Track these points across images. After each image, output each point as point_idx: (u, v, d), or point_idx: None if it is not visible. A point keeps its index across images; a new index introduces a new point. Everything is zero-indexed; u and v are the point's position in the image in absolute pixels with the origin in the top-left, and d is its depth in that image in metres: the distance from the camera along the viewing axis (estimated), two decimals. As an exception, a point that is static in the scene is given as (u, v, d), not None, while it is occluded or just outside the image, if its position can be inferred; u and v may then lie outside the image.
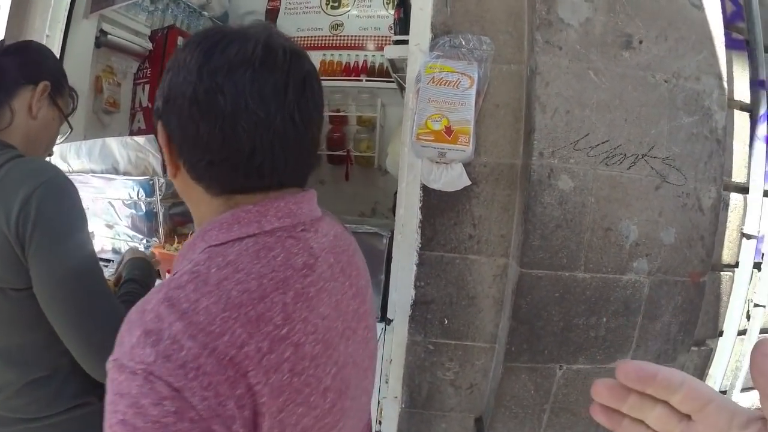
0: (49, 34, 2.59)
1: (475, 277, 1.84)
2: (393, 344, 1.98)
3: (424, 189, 1.83)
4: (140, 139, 2.26)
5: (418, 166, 1.81)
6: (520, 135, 1.77)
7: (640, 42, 1.71)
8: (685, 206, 1.71)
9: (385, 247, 1.94)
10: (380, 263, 1.96)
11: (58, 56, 2.41)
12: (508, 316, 1.74)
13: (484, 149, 1.79)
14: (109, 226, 2.43)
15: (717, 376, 1.99)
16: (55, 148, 2.03)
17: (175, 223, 2.42)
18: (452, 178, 1.74)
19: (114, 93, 3.29)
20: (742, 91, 1.97)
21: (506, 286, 1.81)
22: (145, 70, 3.55)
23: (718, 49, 1.74)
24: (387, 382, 2.03)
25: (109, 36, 3.10)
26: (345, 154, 4.32)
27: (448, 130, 1.68)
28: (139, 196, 2.30)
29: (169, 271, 1.97)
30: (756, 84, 1.98)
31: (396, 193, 1.99)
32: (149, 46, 3.51)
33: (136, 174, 2.29)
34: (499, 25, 1.81)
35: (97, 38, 3.05)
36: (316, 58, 4.38)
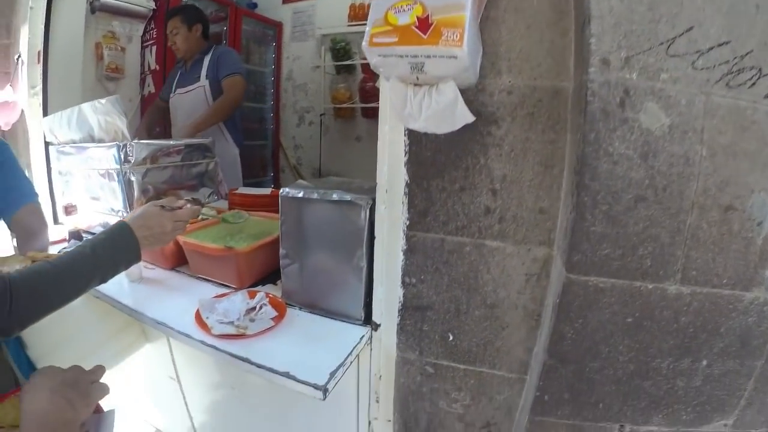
0: (32, 5, 2.44)
1: (495, 275, 1.16)
2: (381, 357, 1.38)
3: (411, 132, 1.14)
4: (105, 101, 2.04)
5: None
6: (569, 38, 1.02)
7: None
8: None
9: (366, 222, 1.28)
10: (359, 244, 1.31)
11: (44, 28, 2.47)
12: (544, 346, 1.07)
13: (506, 64, 1.06)
14: (95, 199, 2.21)
15: None
16: (44, 121, 2.32)
17: (158, 190, 2.13)
18: (440, 110, 1.02)
19: (116, 58, 3.17)
20: None
21: (548, 292, 1.13)
22: (151, 32, 3.44)
23: None
24: (378, 401, 1.45)
25: (103, 0, 2.98)
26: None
27: (423, 23, 0.95)
28: (111, 165, 2.05)
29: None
30: None
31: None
32: (152, 5, 3.35)
33: (108, 140, 2.09)
34: None
35: (90, 3, 2.94)
36: (344, 3, 4.10)
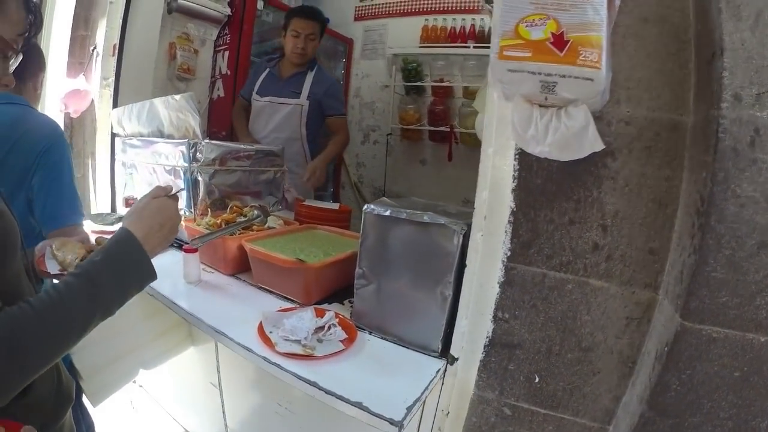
0: (112, 0, 2.56)
1: (595, 316, 1.09)
2: (453, 393, 1.30)
3: (522, 157, 1.08)
4: (179, 97, 2.01)
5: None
6: (688, 70, 0.97)
7: None
8: None
9: (457, 249, 1.21)
10: (448, 270, 1.23)
11: (121, 23, 2.61)
12: (643, 396, 0.98)
13: (626, 93, 1.00)
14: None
15: None
16: (113, 112, 2.40)
17: (223, 193, 2.10)
18: (570, 135, 0.96)
19: (189, 59, 3.19)
20: None
21: (647, 339, 1.06)
22: (224, 37, 3.45)
23: None
24: (440, 438, 1.36)
25: (179, 1, 3.00)
26: (448, 130, 3.92)
27: (559, 40, 0.89)
28: (178, 162, 2.04)
29: (187, 250, 1.68)
30: None
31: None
32: (227, 11, 3.31)
33: (178, 137, 2.07)
34: None
35: (168, 4, 2.97)
36: (417, 24, 4.01)
